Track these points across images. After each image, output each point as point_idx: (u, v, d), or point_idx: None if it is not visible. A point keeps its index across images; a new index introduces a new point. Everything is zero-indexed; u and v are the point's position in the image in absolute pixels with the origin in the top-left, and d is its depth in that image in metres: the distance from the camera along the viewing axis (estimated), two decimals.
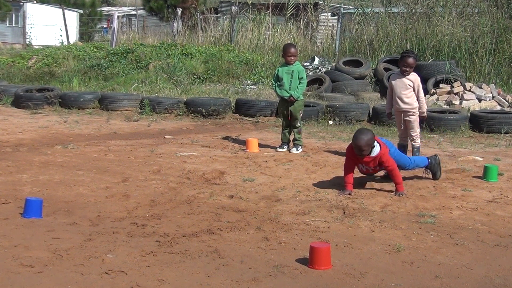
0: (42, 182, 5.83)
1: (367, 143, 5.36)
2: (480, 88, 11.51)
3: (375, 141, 5.47)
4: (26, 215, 4.73)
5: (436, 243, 4.40)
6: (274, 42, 17.08)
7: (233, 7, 18.03)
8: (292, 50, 7.54)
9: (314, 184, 6.01)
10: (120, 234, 4.40)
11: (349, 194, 5.55)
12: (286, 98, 7.56)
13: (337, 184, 6.04)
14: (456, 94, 11.50)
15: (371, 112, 10.31)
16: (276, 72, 7.76)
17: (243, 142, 8.00)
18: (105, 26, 34.47)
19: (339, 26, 16.61)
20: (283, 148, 7.71)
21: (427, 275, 3.79)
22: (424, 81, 11.33)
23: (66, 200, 5.28)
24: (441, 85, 11.98)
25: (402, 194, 5.54)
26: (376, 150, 5.47)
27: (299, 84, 7.52)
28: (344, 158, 7.24)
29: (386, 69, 13.09)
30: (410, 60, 6.71)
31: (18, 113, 10.73)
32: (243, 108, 10.79)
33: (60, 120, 9.97)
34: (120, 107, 11.07)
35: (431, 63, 12.91)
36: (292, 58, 7.52)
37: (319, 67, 14.49)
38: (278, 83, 7.63)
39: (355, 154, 5.53)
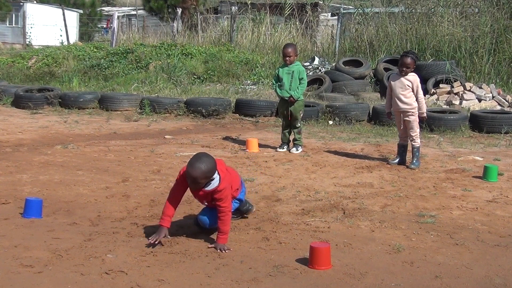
0: (42, 182, 5.83)
1: (205, 174, 4.06)
2: (480, 88, 11.52)
3: (216, 173, 4.16)
4: (26, 215, 4.73)
5: (436, 243, 4.40)
6: (274, 42, 17.09)
7: (233, 7, 18.04)
8: (288, 50, 7.47)
9: (314, 184, 6.01)
10: (120, 234, 4.40)
11: (165, 236, 4.18)
12: (286, 98, 7.56)
13: (337, 184, 6.05)
14: (456, 94, 11.51)
15: (371, 112, 10.32)
16: (276, 72, 7.76)
17: (243, 142, 8.01)
18: (105, 26, 34.46)
19: (339, 26, 16.62)
20: (283, 148, 7.72)
21: (427, 275, 3.79)
22: (424, 81, 11.36)
23: (66, 200, 5.28)
24: (441, 85, 11.98)
25: (222, 249, 4.10)
26: (215, 183, 4.16)
27: (299, 84, 7.52)
28: (343, 158, 7.29)
29: (386, 69, 13.10)
30: (408, 60, 6.72)
31: (18, 113, 10.73)
32: (243, 108, 10.79)
33: (60, 120, 9.97)
34: (120, 107, 11.07)
35: (431, 63, 12.91)
36: (287, 58, 7.48)
37: (319, 67, 14.50)
38: (279, 83, 7.62)
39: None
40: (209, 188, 4.16)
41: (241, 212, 4.82)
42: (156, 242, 4.11)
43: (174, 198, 4.32)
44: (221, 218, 4.19)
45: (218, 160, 4.30)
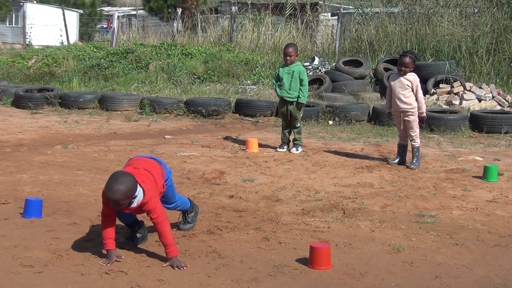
0: (42, 182, 5.83)
1: (126, 195, 3.69)
2: (480, 88, 11.51)
3: (138, 187, 3.77)
4: (26, 215, 4.73)
5: (436, 243, 4.40)
6: (274, 42, 17.08)
7: (233, 7, 18.03)
8: (289, 50, 7.49)
9: (314, 184, 6.01)
10: (120, 234, 4.39)
11: (117, 257, 3.88)
12: (286, 98, 7.56)
13: (337, 184, 6.05)
14: (456, 94, 11.50)
15: (371, 112, 10.32)
16: (276, 72, 7.77)
17: (243, 142, 8.00)
18: (105, 26, 34.45)
19: (339, 26, 16.61)
20: (283, 148, 7.72)
21: (427, 275, 3.79)
22: (424, 81, 11.35)
23: (66, 200, 5.28)
24: (441, 85, 11.98)
25: (179, 266, 3.77)
26: (139, 198, 3.80)
27: (301, 85, 7.51)
28: (343, 158, 7.29)
29: (386, 69, 13.10)
30: (407, 60, 6.72)
31: (18, 113, 10.73)
32: (243, 108, 10.79)
33: (60, 120, 9.97)
34: (120, 107, 11.07)
35: (431, 63, 12.91)
36: (288, 58, 7.50)
37: (319, 67, 14.49)
38: (279, 83, 7.63)
39: None
40: (135, 205, 3.79)
41: (186, 218, 4.53)
42: (109, 265, 3.80)
43: (109, 220, 3.91)
44: (158, 230, 3.83)
45: (136, 167, 3.97)
